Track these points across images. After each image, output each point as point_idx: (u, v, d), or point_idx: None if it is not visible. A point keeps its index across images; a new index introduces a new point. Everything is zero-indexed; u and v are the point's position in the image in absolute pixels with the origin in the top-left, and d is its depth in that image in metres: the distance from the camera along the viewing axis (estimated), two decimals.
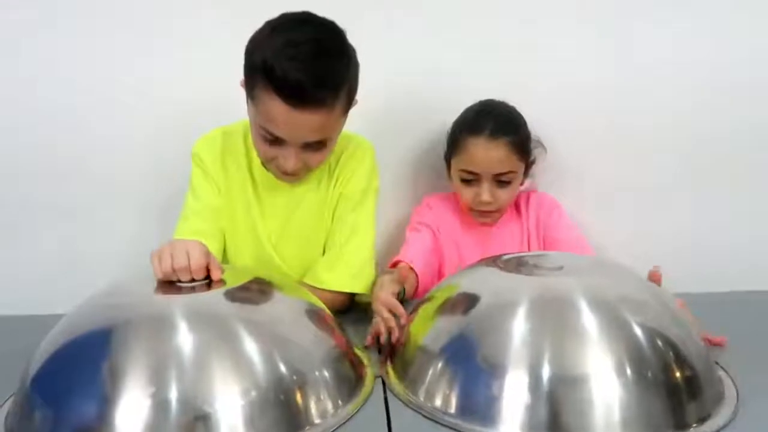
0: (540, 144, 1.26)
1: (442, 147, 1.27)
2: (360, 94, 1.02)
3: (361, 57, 0.99)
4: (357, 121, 1.07)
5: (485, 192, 1.17)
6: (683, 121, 1.33)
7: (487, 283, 0.85)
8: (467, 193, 1.20)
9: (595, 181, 1.37)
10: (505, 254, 0.94)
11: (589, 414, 0.68)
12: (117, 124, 1.28)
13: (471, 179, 1.19)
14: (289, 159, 0.99)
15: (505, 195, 1.19)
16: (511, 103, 1.23)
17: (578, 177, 1.36)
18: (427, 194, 1.33)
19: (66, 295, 0.87)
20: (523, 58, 1.30)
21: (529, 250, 1.26)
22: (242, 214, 1.13)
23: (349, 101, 1.00)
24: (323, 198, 1.14)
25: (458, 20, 1.28)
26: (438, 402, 0.74)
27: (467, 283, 0.86)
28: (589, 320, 0.73)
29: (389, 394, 0.78)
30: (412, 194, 1.37)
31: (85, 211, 1.32)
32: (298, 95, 0.91)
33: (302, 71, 0.90)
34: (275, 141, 0.98)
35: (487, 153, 1.16)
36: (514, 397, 0.70)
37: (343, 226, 1.12)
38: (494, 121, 1.17)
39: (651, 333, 0.73)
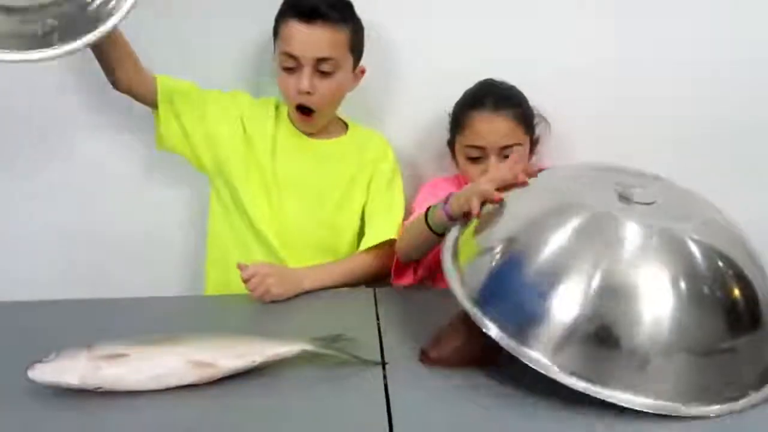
0: (544, 119, 1.26)
1: (445, 132, 1.26)
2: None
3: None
4: (360, 108, 1.20)
5: (493, 167, 1.15)
6: (684, 109, 1.32)
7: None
8: (475, 171, 1.18)
9: None
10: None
11: (639, 326, 0.71)
12: None
13: (477, 156, 1.18)
14: (303, 78, 1.12)
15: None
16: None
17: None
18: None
19: None
20: (524, 43, 1.29)
21: None
22: (258, 166, 1.20)
23: (355, 45, 1.16)
24: (349, 164, 1.22)
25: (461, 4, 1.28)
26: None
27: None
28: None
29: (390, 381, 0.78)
30: (416, 180, 1.36)
31: None
32: (309, 12, 1.10)
33: None
34: (292, 68, 1.12)
35: (491, 125, 1.16)
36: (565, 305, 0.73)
37: (381, 202, 1.22)
38: (495, 96, 1.18)
39: (708, 250, 0.76)
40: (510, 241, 0.81)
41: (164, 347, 0.76)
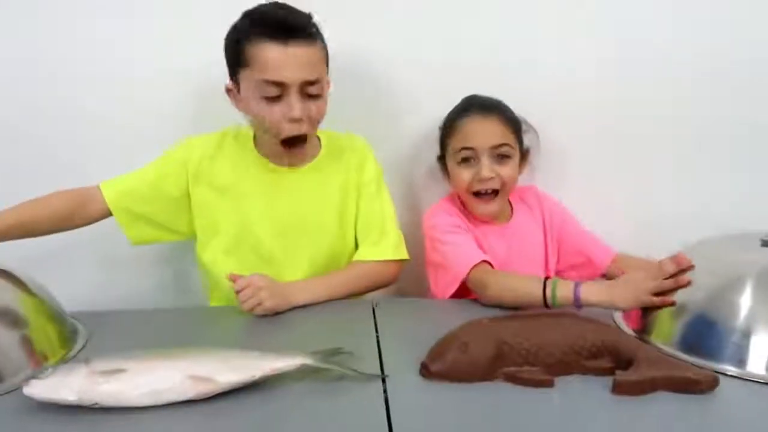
0: (531, 128, 1.26)
1: (436, 147, 1.27)
2: (348, 88, 1.16)
3: (350, 49, 1.15)
4: (346, 119, 1.20)
5: (485, 167, 1.16)
6: (684, 110, 1.34)
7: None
8: (466, 174, 1.18)
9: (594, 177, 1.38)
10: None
11: None
12: None
13: (469, 157, 1.18)
14: (294, 104, 1.04)
15: (505, 172, 1.18)
16: (508, 101, 1.23)
17: (578, 173, 1.37)
18: (432, 204, 1.29)
19: None
20: (520, 55, 1.31)
21: (548, 245, 1.28)
22: (240, 210, 1.15)
23: (327, 59, 1.09)
24: (332, 184, 1.18)
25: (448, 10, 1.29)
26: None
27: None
28: None
29: (389, 394, 0.78)
30: (408, 198, 1.38)
31: None
32: (282, 28, 1.01)
33: (279, 9, 1.05)
34: (275, 96, 1.04)
35: (482, 126, 1.18)
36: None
37: (373, 210, 1.19)
38: (483, 102, 1.21)
39: None
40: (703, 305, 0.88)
41: (162, 362, 0.75)
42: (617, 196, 1.39)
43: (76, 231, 1.14)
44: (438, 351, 0.82)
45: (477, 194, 1.20)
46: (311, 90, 1.05)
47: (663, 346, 0.88)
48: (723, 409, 0.74)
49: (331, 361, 0.82)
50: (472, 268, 1.10)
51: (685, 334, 0.88)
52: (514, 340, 0.80)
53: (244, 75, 1.05)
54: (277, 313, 1.04)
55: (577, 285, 0.98)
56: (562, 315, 0.85)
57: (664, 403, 0.74)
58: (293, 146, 1.10)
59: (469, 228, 1.22)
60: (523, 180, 1.28)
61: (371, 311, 1.06)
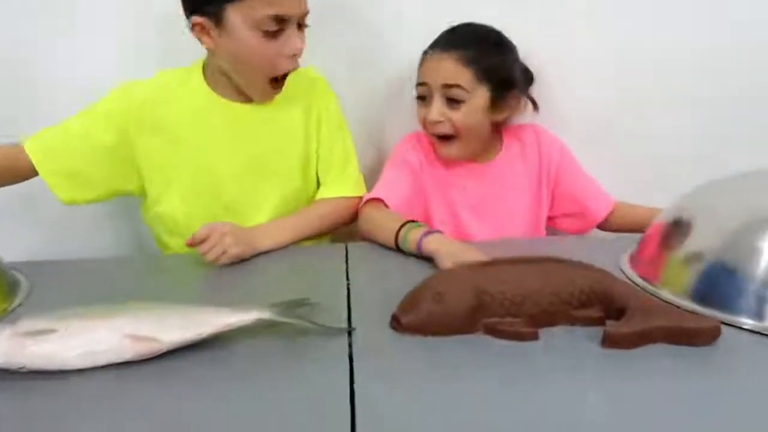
0: (528, 76, 1.16)
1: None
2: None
3: None
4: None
5: (433, 109, 1.08)
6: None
7: None
8: (420, 113, 1.12)
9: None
10: None
11: None
12: None
13: (424, 95, 1.10)
14: (295, 38, 0.99)
15: (456, 117, 1.08)
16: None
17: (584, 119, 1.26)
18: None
19: None
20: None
21: (540, 190, 1.19)
22: (196, 155, 1.05)
23: None
24: (295, 119, 1.10)
25: None
26: None
27: None
28: None
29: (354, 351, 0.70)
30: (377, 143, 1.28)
31: None
32: None
33: None
34: (275, 31, 0.97)
35: (437, 63, 1.08)
36: None
37: (335, 146, 1.13)
38: (453, 35, 1.10)
39: None
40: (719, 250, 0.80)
41: (98, 320, 0.67)
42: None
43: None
44: (410, 302, 0.74)
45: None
46: (303, 22, 1.01)
47: (674, 296, 0.80)
48: (733, 365, 0.66)
49: (293, 314, 0.74)
50: (366, 203, 1.07)
51: (699, 283, 0.80)
52: (495, 289, 0.72)
53: (236, 9, 0.95)
54: (242, 261, 0.96)
55: (427, 233, 0.93)
56: (549, 260, 0.77)
57: (660, 357, 0.67)
58: (281, 84, 1.04)
59: (429, 166, 1.15)
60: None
61: (344, 256, 0.98)
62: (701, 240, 0.83)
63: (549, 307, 0.72)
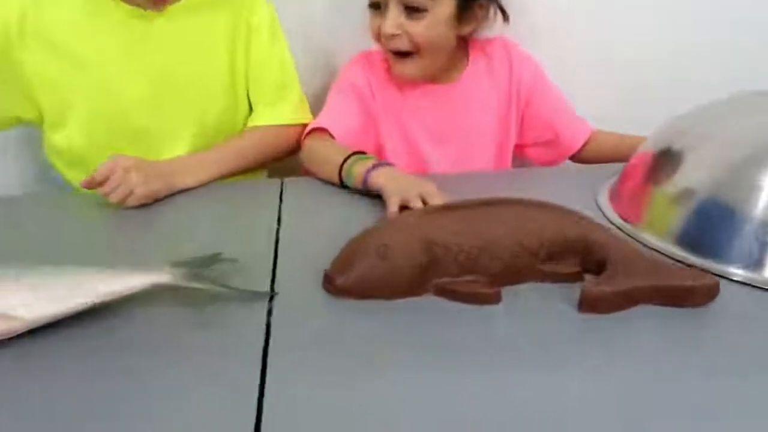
0: None
1: None
2: None
3: None
4: None
5: (388, 20, 0.90)
6: None
7: None
8: (374, 24, 0.95)
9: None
10: None
11: None
12: None
13: (377, 2, 0.93)
14: None
15: (416, 29, 0.91)
16: None
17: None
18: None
19: None
20: None
21: (509, 113, 1.03)
22: (95, 72, 0.87)
23: None
24: (216, 28, 0.92)
25: None
26: None
27: None
28: None
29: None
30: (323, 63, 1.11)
31: None
32: None
33: None
34: None
35: None
36: None
37: (267, 62, 0.96)
38: None
39: None
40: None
41: None
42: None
43: None
44: (347, 257, 0.60)
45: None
46: None
47: (656, 240, 0.69)
48: (726, 325, 0.55)
49: (200, 275, 0.60)
50: (308, 133, 0.93)
51: (687, 226, 0.68)
52: (450, 241, 0.59)
53: None
54: (156, 201, 0.81)
55: (375, 166, 0.79)
56: (514, 202, 0.63)
57: (646, 320, 0.55)
58: None
59: (381, 89, 1.00)
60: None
61: (278, 195, 0.83)
62: (693, 174, 0.71)
63: (513, 261, 0.60)
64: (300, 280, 0.62)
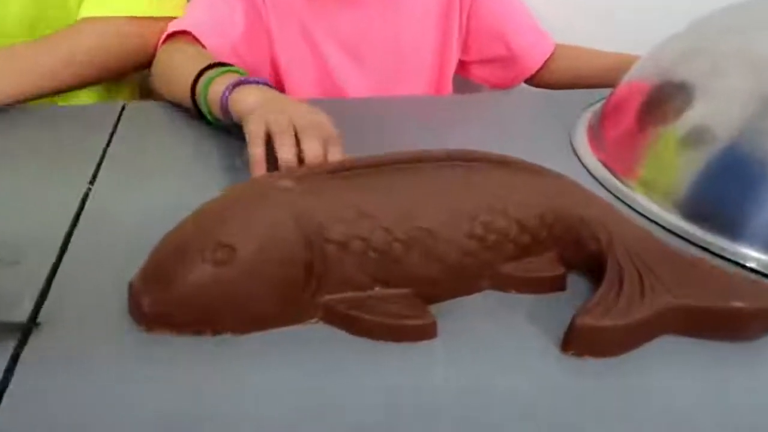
0: None
1: None
2: None
3: None
4: None
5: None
6: None
7: None
8: None
9: None
10: None
11: None
12: None
13: None
14: None
15: None
16: None
17: None
18: None
19: None
20: None
21: (448, 27, 0.78)
22: None
23: None
24: None
25: None
26: None
27: None
28: None
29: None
30: None
31: None
32: None
33: None
34: None
35: None
36: None
37: None
38: None
39: None
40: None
41: None
42: None
43: None
44: (163, 260, 0.34)
45: None
46: None
47: (657, 207, 0.47)
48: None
49: None
50: (166, 39, 0.66)
51: (698, 187, 0.47)
52: (353, 231, 0.34)
53: None
54: None
55: (240, 83, 0.53)
56: (457, 159, 0.38)
57: (671, 364, 0.33)
58: None
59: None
60: None
61: (108, 133, 0.55)
62: (708, 111, 0.49)
63: (459, 261, 0.35)
64: (93, 293, 0.36)
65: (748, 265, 0.41)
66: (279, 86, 0.75)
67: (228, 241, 0.32)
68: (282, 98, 0.52)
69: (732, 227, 0.44)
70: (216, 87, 0.53)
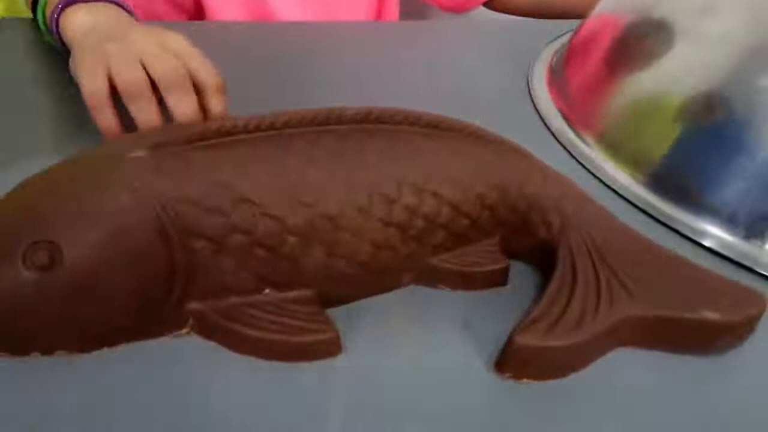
0: None
1: None
2: None
3: None
4: None
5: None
6: None
7: None
8: None
9: None
10: None
11: None
12: None
13: None
14: None
15: None
16: None
17: None
18: None
19: None
20: None
21: None
22: None
23: None
24: None
25: None
26: None
27: None
28: None
29: None
30: None
31: None
32: None
33: None
34: None
35: None
36: None
37: None
38: None
39: None
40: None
41: None
42: None
43: None
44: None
45: None
46: None
47: (615, 170, 0.40)
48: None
49: None
50: None
51: (672, 151, 0.39)
52: (223, 221, 0.26)
53: None
54: None
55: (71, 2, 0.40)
56: (371, 122, 0.30)
57: (633, 386, 0.27)
58: None
59: None
60: None
61: None
62: (692, 61, 0.41)
63: (373, 256, 0.28)
64: None
65: (705, 243, 0.35)
66: (197, 7, 0.63)
67: (50, 237, 0.23)
68: (127, 25, 0.37)
69: (698, 201, 0.37)
70: (50, 3, 0.40)
